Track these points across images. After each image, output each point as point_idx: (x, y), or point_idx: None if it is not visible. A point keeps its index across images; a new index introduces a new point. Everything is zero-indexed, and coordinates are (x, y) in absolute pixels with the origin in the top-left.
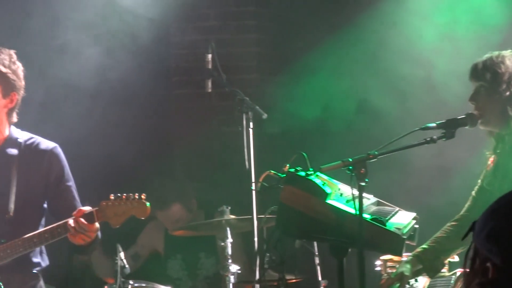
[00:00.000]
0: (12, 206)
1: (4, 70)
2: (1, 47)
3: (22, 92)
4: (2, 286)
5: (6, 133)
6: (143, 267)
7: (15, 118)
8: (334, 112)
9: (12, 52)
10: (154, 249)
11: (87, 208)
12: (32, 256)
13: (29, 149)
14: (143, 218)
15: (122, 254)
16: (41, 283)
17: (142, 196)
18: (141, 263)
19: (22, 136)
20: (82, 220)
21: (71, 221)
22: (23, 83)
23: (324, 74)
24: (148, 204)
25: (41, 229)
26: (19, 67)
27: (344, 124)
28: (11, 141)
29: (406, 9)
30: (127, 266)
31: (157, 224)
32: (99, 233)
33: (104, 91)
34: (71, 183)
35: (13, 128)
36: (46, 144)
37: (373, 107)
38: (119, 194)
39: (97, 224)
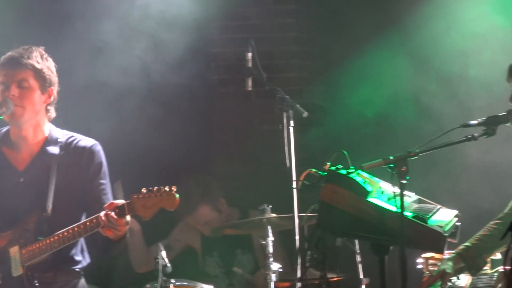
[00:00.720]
0: (50, 204)
1: (39, 66)
2: (31, 46)
3: (57, 86)
4: (37, 284)
5: (47, 132)
6: (181, 264)
7: (53, 113)
8: (375, 109)
9: (41, 49)
10: (189, 245)
11: (120, 201)
12: (73, 254)
13: (70, 148)
14: (171, 210)
15: (163, 253)
16: (83, 281)
17: (173, 188)
18: (172, 256)
19: (62, 135)
20: (112, 213)
21: (102, 214)
22: (57, 78)
23: (365, 72)
24: (177, 196)
25: (74, 225)
26: (52, 63)
27: (386, 122)
28: (52, 140)
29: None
30: (168, 265)
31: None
32: (127, 234)
33: (144, 89)
34: (106, 181)
35: (52, 127)
36: (86, 141)
37: (415, 104)
38: (150, 188)
39: (127, 218)
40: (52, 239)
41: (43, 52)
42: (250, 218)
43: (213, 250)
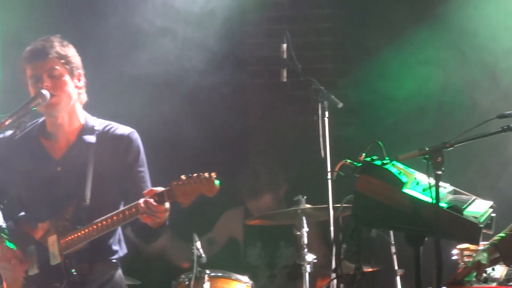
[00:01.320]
0: (88, 193)
1: (63, 53)
2: (48, 36)
3: (83, 70)
4: (75, 273)
5: (82, 121)
6: (222, 255)
7: (85, 97)
8: (410, 100)
9: (58, 36)
10: (232, 236)
11: (159, 189)
12: (111, 244)
13: (106, 136)
14: (211, 196)
15: (198, 244)
16: (120, 272)
17: (212, 174)
18: (217, 249)
19: (99, 123)
20: (151, 200)
21: (141, 201)
22: (80, 61)
23: (399, 62)
24: (217, 182)
25: (113, 213)
26: (72, 47)
27: (421, 112)
28: (88, 129)
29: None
30: (203, 255)
31: (235, 212)
32: (167, 221)
33: (179, 80)
34: (144, 168)
35: (88, 115)
36: (123, 129)
37: (452, 95)
38: (190, 174)
39: (166, 205)
40: (90, 228)
41: (61, 39)
42: (284, 209)
43: (257, 241)
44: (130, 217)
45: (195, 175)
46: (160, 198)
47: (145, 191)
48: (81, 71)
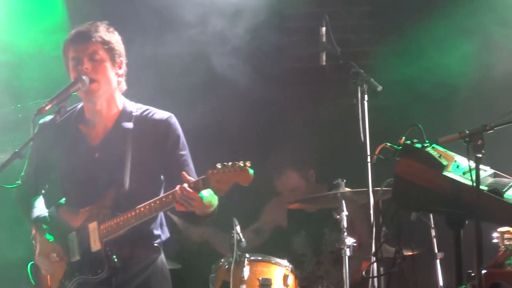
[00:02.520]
0: (127, 179)
1: (107, 38)
2: (95, 21)
3: (125, 58)
4: (116, 259)
5: (120, 106)
6: (268, 243)
7: (124, 85)
8: (450, 83)
9: (105, 23)
10: (277, 224)
11: (193, 178)
12: (152, 229)
13: (144, 121)
14: (245, 185)
15: (238, 228)
16: (162, 256)
17: (247, 163)
18: (265, 238)
19: (136, 108)
20: (187, 188)
21: (177, 189)
22: (124, 50)
23: (439, 46)
24: (251, 171)
25: (151, 200)
26: (118, 35)
27: (461, 96)
28: (125, 115)
29: None
30: (243, 240)
31: (279, 200)
32: (215, 207)
33: (218, 65)
34: (186, 152)
35: (126, 100)
36: (161, 114)
37: (496, 77)
38: (225, 163)
39: (203, 194)
40: (129, 215)
41: (108, 26)
42: (324, 193)
43: (301, 229)
44: (168, 205)
45: (230, 163)
46: (195, 186)
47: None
48: (123, 59)
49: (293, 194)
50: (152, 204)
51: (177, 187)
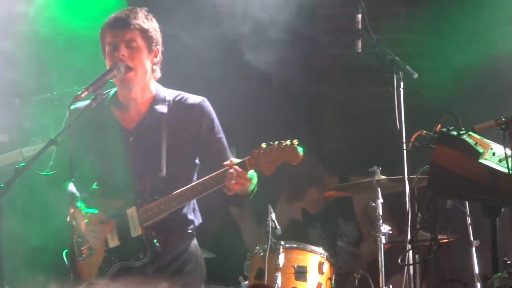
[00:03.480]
0: (164, 163)
1: (145, 26)
2: (134, 7)
3: (161, 46)
4: (157, 243)
5: (154, 91)
6: (287, 235)
7: (159, 73)
8: (486, 70)
9: (144, 9)
10: (293, 218)
11: (237, 160)
12: (186, 213)
13: (178, 105)
14: (295, 164)
15: (273, 215)
16: (195, 241)
17: (294, 142)
18: (280, 233)
19: (169, 93)
20: (237, 167)
21: (231, 170)
22: (160, 38)
23: (475, 33)
24: (300, 149)
25: (193, 183)
26: (156, 23)
27: (497, 83)
28: (159, 99)
29: None
30: (278, 227)
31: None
32: (255, 186)
33: (253, 51)
34: (222, 135)
35: (159, 86)
36: (194, 98)
37: None
38: (271, 142)
39: (251, 174)
40: (171, 198)
41: (147, 12)
42: (360, 180)
43: (316, 222)
44: (212, 188)
45: (276, 142)
46: (241, 167)
47: (225, 163)
48: (159, 47)
49: (317, 205)
50: (198, 187)
51: (227, 171)
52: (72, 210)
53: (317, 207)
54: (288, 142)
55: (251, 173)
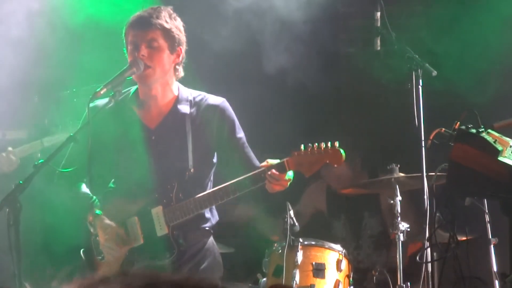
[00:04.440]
0: (191, 163)
1: (168, 26)
2: (159, 6)
3: (185, 46)
4: (181, 241)
5: (176, 92)
6: (308, 227)
7: (182, 73)
8: (507, 67)
9: (169, 8)
10: (317, 208)
11: (274, 160)
12: (204, 212)
13: (199, 106)
14: (336, 166)
15: (291, 212)
16: (212, 239)
17: (335, 144)
18: (304, 222)
19: (191, 93)
20: (274, 171)
21: (268, 172)
22: (185, 37)
23: (494, 29)
24: (342, 151)
25: (226, 183)
26: (180, 22)
27: None
28: (182, 99)
29: None
30: (296, 224)
31: (319, 184)
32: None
33: (271, 49)
34: (242, 135)
35: (181, 86)
36: (214, 99)
37: None
38: (309, 144)
39: (290, 174)
40: (202, 198)
41: (172, 12)
42: (378, 178)
43: (341, 213)
44: (246, 188)
45: (315, 144)
46: (279, 169)
47: (262, 164)
48: (182, 47)
49: (338, 181)
50: (228, 186)
51: (266, 173)
52: (90, 218)
53: (341, 183)
54: (329, 144)
55: (290, 174)
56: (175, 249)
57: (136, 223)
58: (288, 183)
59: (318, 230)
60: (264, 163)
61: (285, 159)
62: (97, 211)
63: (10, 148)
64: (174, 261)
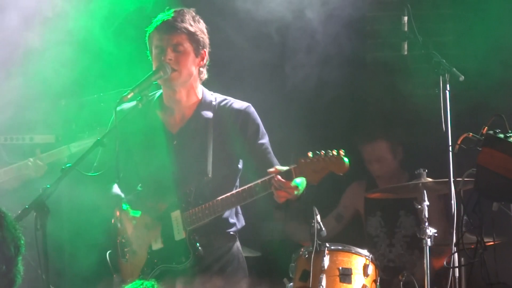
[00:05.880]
0: (210, 168)
1: (192, 29)
2: (182, 8)
3: (208, 48)
4: (200, 247)
5: (200, 95)
6: (346, 230)
7: (205, 75)
8: None
9: (192, 11)
10: (356, 209)
11: (283, 167)
12: (228, 217)
13: (223, 110)
14: (340, 174)
15: (318, 217)
16: (238, 243)
17: (341, 152)
18: (344, 225)
19: (215, 98)
20: (279, 177)
21: (273, 178)
22: (208, 40)
23: None
24: (346, 159)
25: (238, 189)
26: (203, 24)
27: None
28: (205, 104)
29: None
30: (323, 229)
31: (358, 184)
32: (299, 192)
33: (299, 52)
34: (266, 140)
35: (205, 90)
36: (239, 104)
37: None
38: (317, 151)
39: (297, 181)
40: (215, 203)
41: (195, 14)
42: (405, 183)
43: (377, 210)
44: (257, 195)
45: (322, 152)
46: (287, 176)
47: (270, 170)
48: (206, 50)
49: (378, 165)
50: (243, 194)
51: (272, 179)
52: (118, 213)
53: (379, 164)
54: (334, 152)
55: (298, 181)
56: (191, 254)
57: (157, 225)
58: (295, 191)
59: (355, 232)
60: (272, 169)
61: (291, 167)
62: (124, 206)
63: (38, 150)
64: (194, 265)
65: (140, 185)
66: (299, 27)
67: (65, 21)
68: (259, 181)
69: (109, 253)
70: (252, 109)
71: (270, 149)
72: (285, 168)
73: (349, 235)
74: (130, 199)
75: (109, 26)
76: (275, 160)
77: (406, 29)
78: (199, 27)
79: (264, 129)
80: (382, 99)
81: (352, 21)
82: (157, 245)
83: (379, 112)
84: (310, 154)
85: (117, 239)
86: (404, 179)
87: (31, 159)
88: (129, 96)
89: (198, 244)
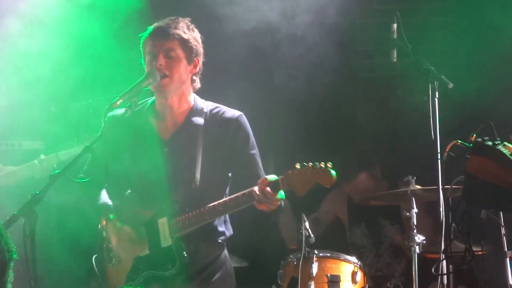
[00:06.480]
0: (198, 176)
1: (186, 36)
2: (177, 17)
3: (202, 57)
4: (186, 255)
5: (192, 103)
6: (327, 236)
7: (198, 84)
8: None
9: (187, 19)
10: (337, 216)
11: (272, 177)
12: (217, 225)
13: (214, 118)
14: (328, 186)
15: (307, 224)
16: (225, 252)
17: (328, 164)
18: (322, 229)
19: (207, 105)
20: (268, 189)
21: (256, 189)
22: (202, 48)
23: None
24: (333, 172)
25: (225, 198)
26: (198, 33)
27: None
28: (197, 111)
29: None
30: (312, 235)
31: (340, 191)
32: (283, 202)
33: (290, 63)
34: (255, 151)
35: (197, 97)
36: (231, 112)
37: None
38: (305, 163)
39: (281, 193)
40: (203, 212)
41: (189, 23)
42: (394, 190)
43: (361, 220)
44: (243, 204)
45: (310, 164)
46: (274, 187)
47: (259, 180)
48: (200, 58)
49: (363, 195)
50: (228, 202)
51: (256, 188)
52: (104, 222)
53: (364, 195)
54: (322, 164)
55: (282, 193)
56: (177, 261)
57: (144, 232)
58: (278, 204)
59: (337, 238)
60: (261, 179)
61: (279, 178)
62: (111, 216)
63: (42, 156)
64: (180, 272)
65: (129, 190)
66: (288, 34)
67: (58, 27)
68: (246, 190)
69: (95, 258)
70: (243, 119)
71: (258, 160)
72: (273, 178)
73: (333, 243)
74: (117, 205)
75: (103, 33)
76: (262, 173)
77: (395, 36)
78: (193, 35)
79: (254, 140)
80: (370, 106)
81: (341, 29)
82: (143, 252)
83: (367, 122)
84: (298, 165)
85: (103, 244)
86: (384, 188)
87: (36, 161)
88: (118, 103)
89: (184, 252)
